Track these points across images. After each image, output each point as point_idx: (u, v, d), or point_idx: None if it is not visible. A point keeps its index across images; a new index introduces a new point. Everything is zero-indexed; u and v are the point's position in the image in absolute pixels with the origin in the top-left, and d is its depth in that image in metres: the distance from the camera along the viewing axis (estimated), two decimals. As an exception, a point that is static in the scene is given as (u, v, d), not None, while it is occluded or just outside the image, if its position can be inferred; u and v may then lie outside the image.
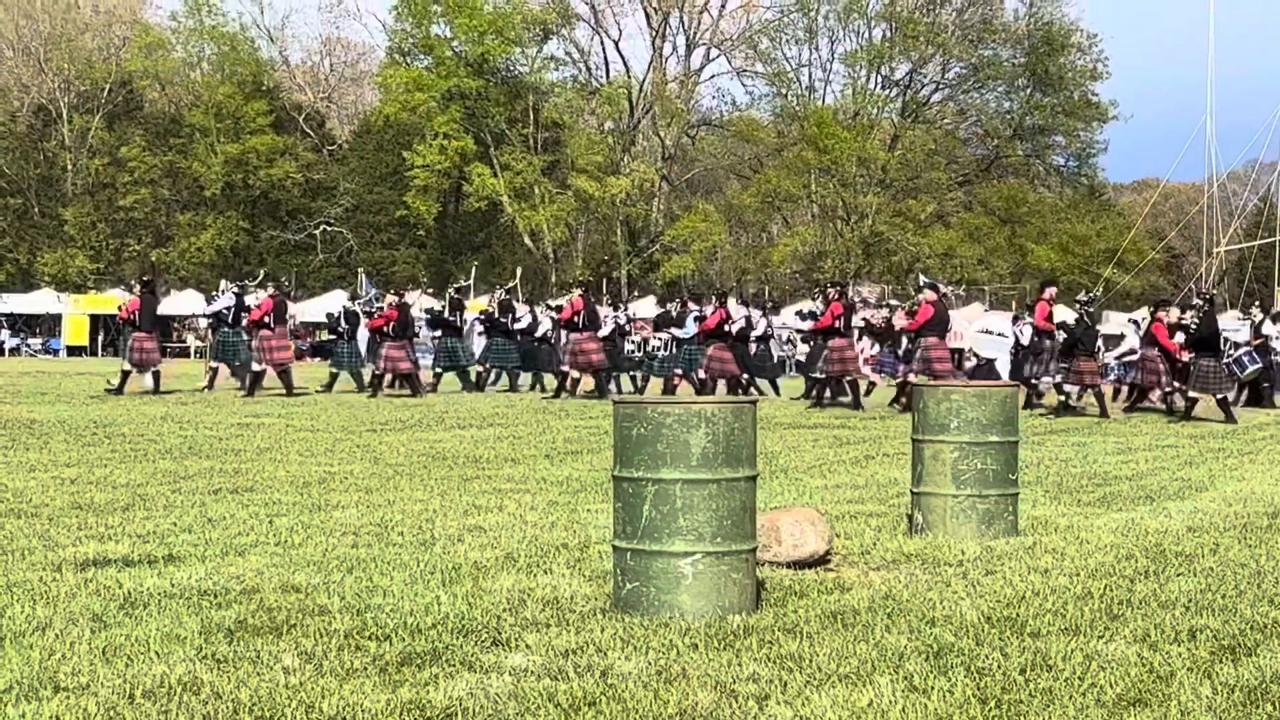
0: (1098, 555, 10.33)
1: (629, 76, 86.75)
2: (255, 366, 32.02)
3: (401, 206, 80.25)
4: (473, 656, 7.08)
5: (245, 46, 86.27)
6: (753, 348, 34.78)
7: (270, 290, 33.73)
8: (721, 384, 32.41)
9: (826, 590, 8.86)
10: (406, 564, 9.68)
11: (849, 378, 30.94)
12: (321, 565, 9.63)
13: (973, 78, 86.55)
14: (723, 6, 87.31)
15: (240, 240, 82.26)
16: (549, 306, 38.86)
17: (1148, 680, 6.76)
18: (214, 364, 34.91)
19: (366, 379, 34.36)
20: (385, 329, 33.07)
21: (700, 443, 7.97)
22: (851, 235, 79.80)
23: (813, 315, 34.01)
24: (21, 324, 75.79)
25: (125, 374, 31.99)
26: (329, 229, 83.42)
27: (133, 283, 39.41)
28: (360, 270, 64.88)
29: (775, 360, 37.42)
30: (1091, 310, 31.60)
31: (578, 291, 33.97)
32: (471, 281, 39.62)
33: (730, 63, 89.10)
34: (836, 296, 31.21)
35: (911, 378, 29.31)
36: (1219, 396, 27.85)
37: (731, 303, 34.52)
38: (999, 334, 35.54)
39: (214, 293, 41.21)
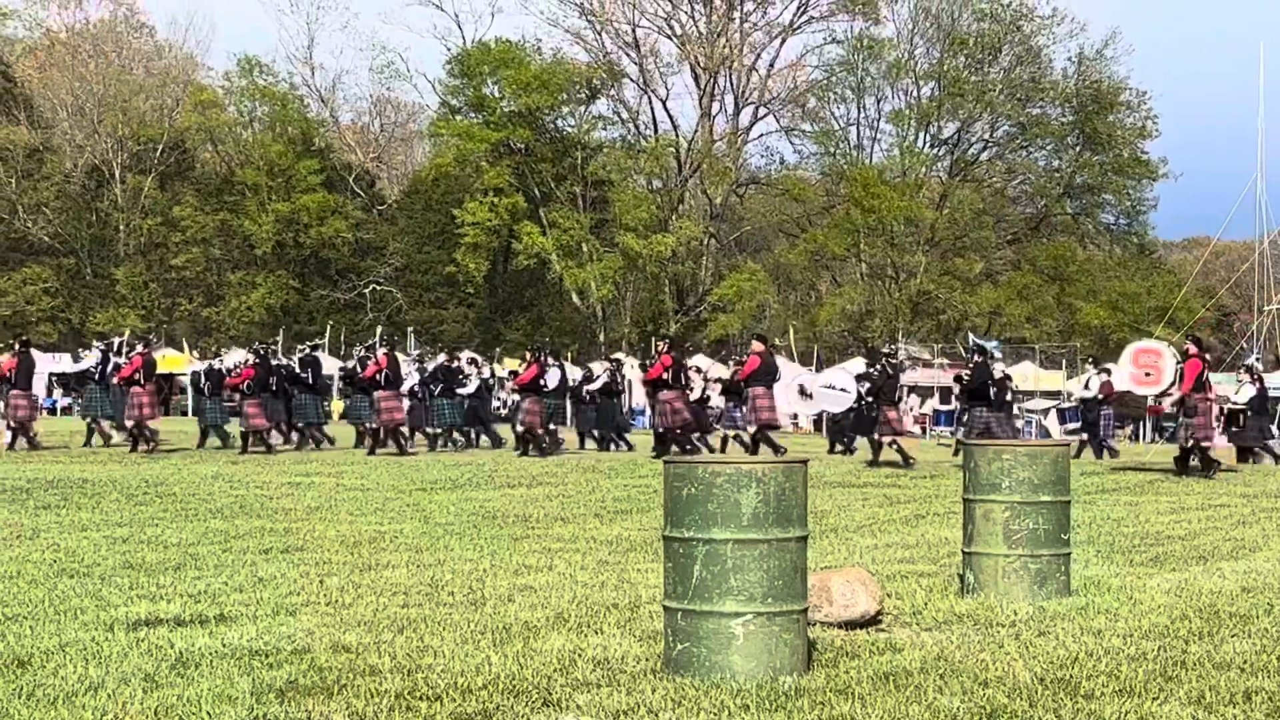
0: (1151, 616, 10.26)
1: (676, 135, 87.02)
2: (128, 422, 32.98)
3: (450, 265, 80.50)
4: (524, 717, 7.08)
5: (296, 107, 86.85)
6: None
7: (140, 349, 34.46)
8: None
9: (878, 651, 8.83)
10: (457, 624, 9.67)
11: (679, 428, 31.34)
12: (372, 625, 9.63)
13: (1021, 136, 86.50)
14: (771, 66, 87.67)
15: (290, 299, 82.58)
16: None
17: (1203, 743, 6.71)
18: (92, 421, 35.66)
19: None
20: (242, 386, 33.62)
21: (751, 503, 7.97)
22: (899, 294, 79.73)
23: (644, 368, 34.74)
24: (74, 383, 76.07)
25: (14, 431, 32.76)
26: (378, 288, 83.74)
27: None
28: (410, 330, 65.10)
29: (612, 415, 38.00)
30: (895, 360, 32.37)
31: (382, 350, 34.43)
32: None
33: (778, 121, 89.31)
34: (665, 350, 31.86)
35: (750, 429, 30.24)
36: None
37: (548, 362, 35.16)
38: (842, 389, 36.08)
39: (81, 351, 42.26)
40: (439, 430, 35.20)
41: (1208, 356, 28.50)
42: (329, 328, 65.73)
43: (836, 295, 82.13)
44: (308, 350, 37.82)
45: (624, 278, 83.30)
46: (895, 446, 29.99)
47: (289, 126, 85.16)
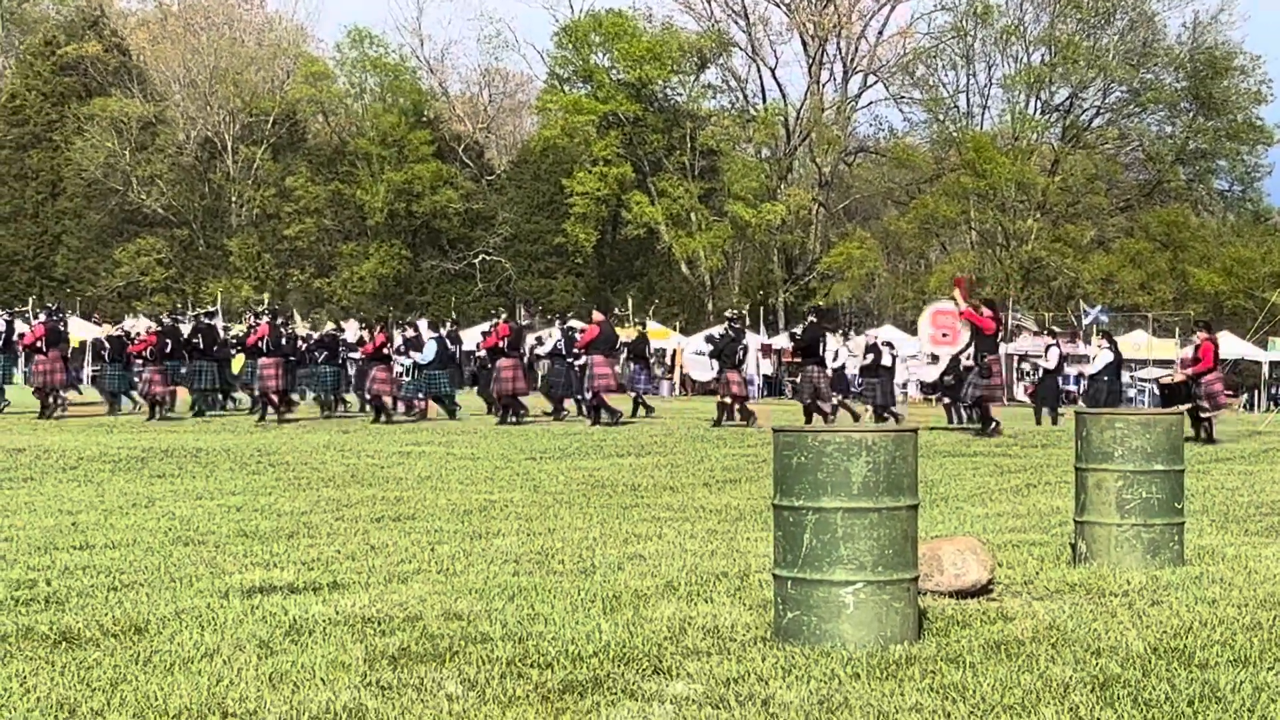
0: (1266, 585, 10.14)
1: (785, 103, 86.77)
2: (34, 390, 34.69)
3: (560, 235, 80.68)
4: (634, 685, 7.09)
5: (406, 78, 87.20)
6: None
7: (43, 318, 35.78)
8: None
9: (989, 620, 8.78)
10: (567, 592, 9.71)
11: (521, 396, 32.89)
12: (483, 593, 9.68)
13: (1134, 101, 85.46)
14: (880, 34, 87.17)
15: (402, 270, 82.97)
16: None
17: (1320, 714, 6.63)
18: None
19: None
20: (144, 353, 34.93)
21: (861, 471, 7.94)
22: (1010, 261, 79.06)
23: (484, 334, 37.30)
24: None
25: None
26: (488, 258, 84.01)
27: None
28: (519, 300, 65.32)
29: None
30: (737, 325, 33.94)
31: (265, 319, 35.11)
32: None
33: (887, 89, 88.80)
34: (504, 319, 34.24)
35: (588, 395, 32.27)
36: (806, 401, 30.77)
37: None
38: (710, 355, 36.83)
39: None
40: (319, 396, 36.57)
41: (1001, 318, 29.25)
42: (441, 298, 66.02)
43: (946, 262, 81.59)
44: (200, 317, 38.89)
45: (733, 247, 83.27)
46: (740, 408, 31.92)
47: (400, 98, 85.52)
